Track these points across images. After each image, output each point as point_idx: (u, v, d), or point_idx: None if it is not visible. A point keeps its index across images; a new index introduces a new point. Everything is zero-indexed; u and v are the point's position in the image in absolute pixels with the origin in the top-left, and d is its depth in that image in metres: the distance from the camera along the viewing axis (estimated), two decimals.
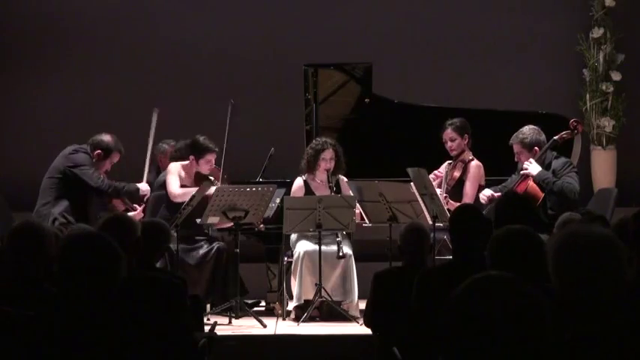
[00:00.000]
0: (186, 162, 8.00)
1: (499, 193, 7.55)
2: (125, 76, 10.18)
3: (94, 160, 7.75)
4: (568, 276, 2.71)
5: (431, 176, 7.84)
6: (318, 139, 8.09)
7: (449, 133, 7.95)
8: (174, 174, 7.93)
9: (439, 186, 7.77)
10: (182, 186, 7.89)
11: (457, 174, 7.92)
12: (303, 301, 7.67)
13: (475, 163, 7.94)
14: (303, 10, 10.24)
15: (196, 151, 7.96)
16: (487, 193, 7.67)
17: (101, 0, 10.28)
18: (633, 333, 2.56)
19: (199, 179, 7.89)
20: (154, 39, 10.20)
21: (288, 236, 7.95)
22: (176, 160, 8.15)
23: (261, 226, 7.85)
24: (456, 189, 7.86)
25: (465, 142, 7.95)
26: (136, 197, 7.87)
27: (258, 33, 10.19)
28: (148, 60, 10.18)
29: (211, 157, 7.98)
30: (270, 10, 10.26)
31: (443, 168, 8.07)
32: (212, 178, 7.94)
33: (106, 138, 7.79)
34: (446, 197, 7.60)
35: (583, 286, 2.69)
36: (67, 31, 10.24)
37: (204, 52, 10.18)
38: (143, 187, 7.91)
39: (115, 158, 7.83)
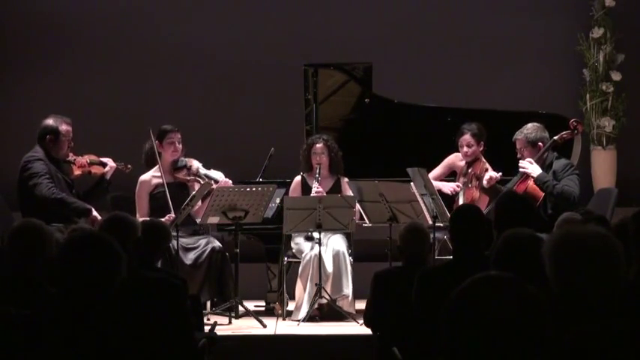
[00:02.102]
0: (156, 166, 7.96)
1: (500, 174, 7.55)
2: (124, 77, 10.18)
3: (51, 145, 7.59)
4: (565, 276, 2.71)
5: (449, 189, 7.82)
6: (314, 135, 8.15)
7: (467, 139, 7.86)
8: (140, 195, 7.88)
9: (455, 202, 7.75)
10: (165, 184, 7.81)
11: (477, 195, 7.81)
12: (317, 306, 7.67)
13: (489, 176, 7.89)
14: (304, 10, 10.24)
15: (159, 137, 7.94)
16: (492, 174, 7.62)
17: (101, 1, 10.28)
18: (633, 332, 2.56)
19: (175, 169, 7.90)
20: (154, 40, 10.20)
21: (288, 236, 7.96)
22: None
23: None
24: None
25: (481, 149, 7.91)
26: (81, 215, 7.49)
27: (258, 33, 10.19)
28: (148, 61, 10.17)
29: (173, 137, 7.91)
30: (270, 11, 10.26)
31: (449, 161, 8.03)
32: (190, 164, 7.89)
33: (48, 121, 7.65)
34: None
35: (580, 285, 2.69)
36: (66, 31, 10.23)
37: (204, 52, 10.18)
38: (95, 213, 7.47)
39: (68, 134, 7.68)
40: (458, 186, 7.92)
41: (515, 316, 2.19)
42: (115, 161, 7.95)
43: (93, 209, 7.52)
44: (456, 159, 8.06)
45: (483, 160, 7.91)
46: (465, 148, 7.87)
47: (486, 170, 7.83)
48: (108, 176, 7.89)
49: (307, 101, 8.59)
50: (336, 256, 7.74)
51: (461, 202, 7.77)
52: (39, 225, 4.34)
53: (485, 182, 7.61)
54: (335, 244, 7.80)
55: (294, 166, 8.23)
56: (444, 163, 8.10)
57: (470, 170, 7.91)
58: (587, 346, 2.52)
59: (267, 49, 10.14)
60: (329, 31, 10.13)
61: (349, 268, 7.72)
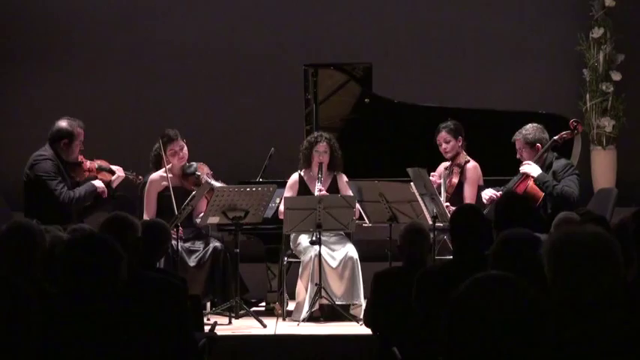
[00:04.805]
0: (169, 165, 7.95)
1: (500, 193, 7.55)
2: (126, 77, 10.19)
3: (64, 149, 7.60)
4: (563, 276, 2.72)
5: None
6: (315, 132, 8.12)
7: (443, 135, 7.95)
8: (149, 195, 7.87)
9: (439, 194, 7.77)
10: (173, 187, 7.79)
11: (455, 180, 7.90)
12: (318, 307, 7.66)
13: (471, 165, 7.93)
14: (304, 10, 10.24)
15: (163, 146, 7.92)
16: (489, 193, 7.65)
17: (103, 1, 10.28)
18: (632, 332, 2.56)
19: (184, 175, 7.88)
20: (155, 40, 10.20)
21: (288, 236, 7.95)
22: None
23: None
24: (456, 194, 7.86)
25: (459, 144, 7.94)
26: (92, 196, 7.60)
27: (258, 33, 10.19)
28: (149, 61, 10.18)
29: (174, 147, 7.85)
30: (271, 10, 10.26)
31: (438, 171, 8.07)
32: (198, 173, 7.87)
33: (62, 124, 7.63)
34: (448, 206, 7.53)
35: (578, 285, 2.70)
36: (69, 31, 10.23)
37: (205, 52, 10.19)
38: (97, 183, 7.62)
39: (81, 136, 7.68)
40: (438, 178, 7.96)
41: (515, 315, 2.19)
42: (125, 171, 7.90)
43: (96, 182, 7.60)
44: (444, 173, 8.08)
45: (464, 153, 7.96)
46: (444, 145, 7.94)
47: (467, 162, 7.88)
48: (114, 185, 7.83)
49: (307, 101, 8.59)
50: (350, 262, 7.69)
51: (442, 189, 7.82)
52: (27, 224, 4.30)
53: (485, 201, 7.62)
54: (349, 250, 7.78)
55: (294, 166, 8.23)
56: (435, 173, 8.12)
57: (452, 163, 7.96)
58: (585, 345, 2.52)
59: (267, 49, 10.14)
60: (329, 31, 10.13)
61: (360, 276, 7.69)
